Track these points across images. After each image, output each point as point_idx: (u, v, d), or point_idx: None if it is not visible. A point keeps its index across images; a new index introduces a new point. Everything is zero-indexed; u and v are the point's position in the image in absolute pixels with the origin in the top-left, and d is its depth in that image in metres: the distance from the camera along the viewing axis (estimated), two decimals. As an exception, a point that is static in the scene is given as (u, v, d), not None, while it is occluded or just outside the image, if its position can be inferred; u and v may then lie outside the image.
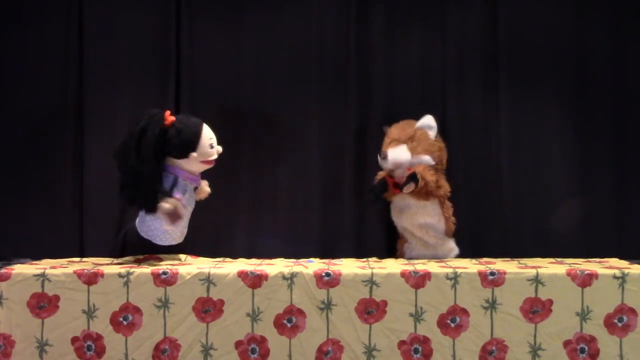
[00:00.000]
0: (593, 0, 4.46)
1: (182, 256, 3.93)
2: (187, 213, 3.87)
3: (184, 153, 3.79)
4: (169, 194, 3.75)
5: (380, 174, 4.20)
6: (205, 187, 4.00)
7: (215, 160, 3.89)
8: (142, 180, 3.70)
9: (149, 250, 3.85)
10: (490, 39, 4.46)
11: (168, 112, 3.81)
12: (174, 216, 3.72)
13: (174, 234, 3.87)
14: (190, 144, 3.80)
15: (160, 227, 3.81)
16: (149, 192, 3.72)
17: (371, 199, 4.22)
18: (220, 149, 3.88)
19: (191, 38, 4.44)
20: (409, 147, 4.10)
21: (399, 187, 4.08)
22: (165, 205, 3.69)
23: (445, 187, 4.13)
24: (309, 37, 4.46)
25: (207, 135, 3.85)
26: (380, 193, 4.18)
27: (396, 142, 4.12)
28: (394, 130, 4.18)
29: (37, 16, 4.42)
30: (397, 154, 4.08)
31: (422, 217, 4.10)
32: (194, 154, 3.80)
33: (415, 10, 4.47)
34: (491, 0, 4.46)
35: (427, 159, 4.10)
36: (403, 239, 4.21)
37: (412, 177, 4.01)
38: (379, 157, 4.13)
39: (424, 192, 4.05)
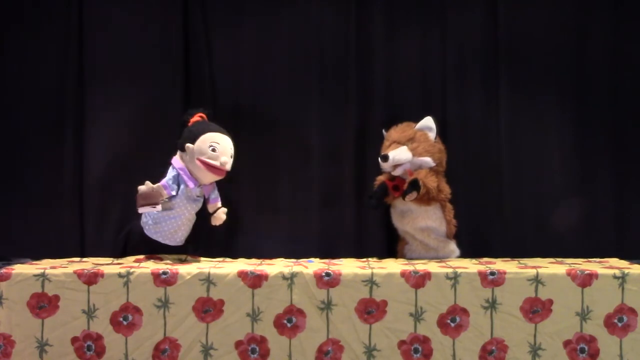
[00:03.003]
0: (593, 1, 4.46)
1: (183, 256, 3.94)
2: (182, 215, 3.89)
3: (183, 145, 3.88)
4: (162, 181, 3.85)
5: (379, 179, 4.18)
6: (221, 214, 4.00)
7: (219, 169, 3.88)
8: None
9: (151, 249, 3.87)
10: (491, 39, 4.45)
11: (199, 114, 4.01)
12: (143, 198, 3.75)
13: (176, 234, 3.90)
14: (190, 137, 3.89)
15: (167, 229, 3.84)
16: None
17: (372, 205, 4.18)
18: (225, 160, 3.88)
19: (191, 38, 4.43)
20: (409, 148, 4.09)
21: (398, 190, 4.07)
22: (140, 187, 3.77)
23: (446, 191, 4.12)
24: (308, 38, 4.46)
25: (211, 138, 3.89)
26: (381, 198, 4.16)
27: (396, 144, 4.12)
28: (393, 133, 4.17)
29: (37, 16, 4.42)
30: (397, 154, 4.08)
31: (423, 221, 4.09)
32: (190, 146, 3.86)
33: (415, 10, 4.47)
34: (491, 1, 4.46)
35: (427, 160, 4.09)
36: (404, 241, 4.21)
37: (414, 185, 3.98)
38: (380, 161, 4.12)
39: (426, 198, 4.04)
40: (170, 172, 3.89)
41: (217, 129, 3.96)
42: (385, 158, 4.08)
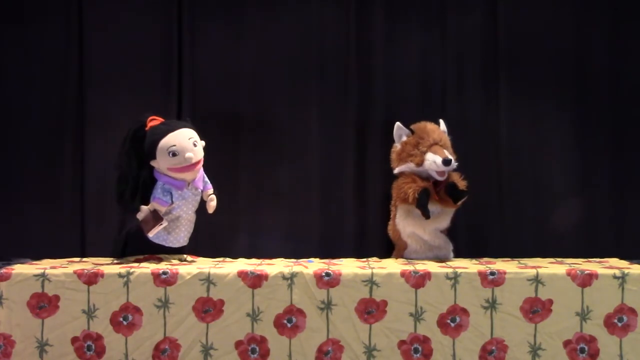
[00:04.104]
0: (593, 1, 4.46)
1: (182, 256, 3.94)
2: (181, 217, 3.89)
3: (149, 160, 3.84)
4: (152, 198, 3.82)
5: (419, 185, 3.96)
6: (210, 202, 3.96)
7: (192, 164, 3.79)
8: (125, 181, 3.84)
9: (151, 250, 3.86)
10: (491, 39, 4.46)
11: (150, 117, 3.87)
12: (147, 223, 3.77)
13: (178, 236, 3.89)
14: (150, 151, 3.83)
15: (169, 232, 3.85)
16: (122, 192, 3.84)
17: (426, 215, 3.92)
18: (189, 155, 3.77)
19: (192, 38, 4.43)
20: (448, 152, 4.03)
21: (437, 194, 3.99)
22: (138, 215, 3.79)
23: None
24: (309, 38, 4.46)
25: (165, 144, 3.80)
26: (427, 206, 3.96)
27: (438, 146, 4.01)
28: (434, 133, 4.06)
29: (37, 16, 4.42)
30: (453, 159, 4.01)
31: (445, 222, 4.05)
32: (154, 162, 3.83)
33: (415, 10, 4.47)
34: (491, 1, 4.47)
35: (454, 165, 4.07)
36: (401, 247, 4.13)
37: (462, 192, 3.95)
38: (440, 164, 3.94)
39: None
40: (158, 185, 3.85)
41: (167, 129, 3.85)
42: (449, 162, 3.96)
